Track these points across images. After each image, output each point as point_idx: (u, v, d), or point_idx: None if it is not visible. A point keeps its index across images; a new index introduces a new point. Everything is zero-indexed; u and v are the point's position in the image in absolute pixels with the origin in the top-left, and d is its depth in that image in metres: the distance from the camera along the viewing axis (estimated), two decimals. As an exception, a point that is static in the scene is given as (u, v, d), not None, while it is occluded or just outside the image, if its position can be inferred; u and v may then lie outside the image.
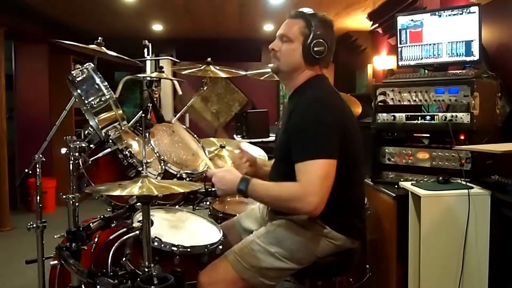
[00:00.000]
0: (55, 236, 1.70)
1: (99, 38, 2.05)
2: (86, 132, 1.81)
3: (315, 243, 1.56)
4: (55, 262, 1.62)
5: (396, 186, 2.18)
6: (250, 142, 3.07)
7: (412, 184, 2.04)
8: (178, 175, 2.15)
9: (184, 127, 2.57)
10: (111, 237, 1.79)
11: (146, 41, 2.91)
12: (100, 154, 1.95)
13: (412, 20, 2.40)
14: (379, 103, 2.28)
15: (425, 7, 3.65)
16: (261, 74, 2.85)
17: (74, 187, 1.66)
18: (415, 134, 2.33)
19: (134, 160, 1.98)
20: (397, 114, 2.24)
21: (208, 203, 2.34)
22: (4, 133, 4.56)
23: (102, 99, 1.60)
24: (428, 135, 2.31)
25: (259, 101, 7.06)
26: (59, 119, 1.94)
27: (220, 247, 1.71)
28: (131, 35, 5.53)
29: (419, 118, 2.18)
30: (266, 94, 7.15)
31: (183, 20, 5.58)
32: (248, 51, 6.46)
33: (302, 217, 1.56)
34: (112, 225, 1.73)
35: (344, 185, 1.52)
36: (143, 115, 2.14)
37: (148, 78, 2.50)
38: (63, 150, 1.64)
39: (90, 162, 1.86)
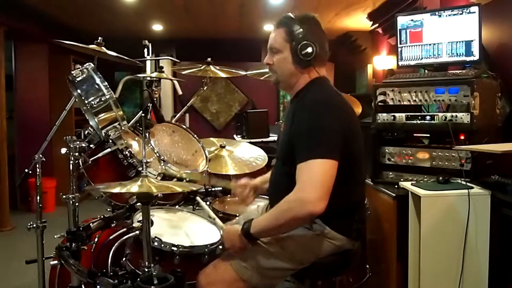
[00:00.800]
0: (55, 236, 1.70)
1: (99, 38, 2.05)
2: (86, 132, 1.82)
3: (315, 243, 1.56)
4: (55, 262, 1.62)
5: (396, 186, 2.18)
6: (250, 142, 3.07)
7: (412, 184, 2.04)
8: (178, 175, 2.15)
9: (184, 127, 2.58)
10: (111, 237, 1.79)
11: (146, 41, 2.92)
12: (100, 154, 1.95)
13: (412, 20, 2.40)
14: (379, 103, 2.28)
15: (425, 7, 3.65)
16: (261, 74, 2.85)
17: (74, 187, 1.66)
18: (415, 134, 2.33)
19: (134, 160, 1.98)
20: (397, 114, 2.24)
21: (208, 203, 2.34)
22: (4, 133, 4.56)
23: (102, 99, 1.61)
24: (428, 135, 2.31)
25: (259, 101, 7.06)
26: (59, 119, 1.94)
27: (220, 247, 1.72)
28: (131, 35, 5.53)
29: (419, 118, 2.18)
30: (266, 94, 7.15)
31: (183, 20, 5.58)
32: (248, 51, 6.46)
33: None
34: (112, 225, 1.74)
35: (345, 186, 1.52)
36: (143, 115, 2.14)
37: (148, 78, 2.51)
38: (63, 150, 1.65)
39: (90, 162, 1.86)
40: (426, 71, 2.44)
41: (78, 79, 1.61)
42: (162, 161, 2.14)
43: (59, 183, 5.03)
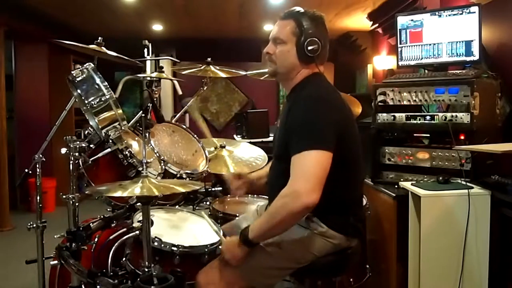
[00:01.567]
0: (55, 236, 1.70)
1: (99, 38, 2.05)
2: (86, 132, 1.81)
3: (312, 242, 1.56)
4: (55, 262, 1.62)
5: (396, 186, 2.18)
6: (250, 142, 3.07)
7: (412, 184, 2.04)
8: (178, 175, 2.15)
9: (184, 127, 2.58)
10: (111, 237, 1.79)
11: (146, 41, 2.92)
12: (100, 154, 1.95)
13: (412, 20, 2.40)
14: (379, 103, 2.28)
15: (425, 7, 3.65)
16: (261, 74, 2.85)
17: (74, 187, 1.66)
18: (415, 134, 2.33)
19: (134, 160, 1.98)
20: (397, 114, 2.24)
21: (208, 203, 2.35)
22: (4, 133, 4.56)
23: (102, 99, 1.60)
24: (428, 135, 2.31)
25: (259, 101, 7.06)
26: (59, 119, 1.94)
27: (220, 247, 1.71)
28: (131, 35, 5.53)
29: (419, 118, 2.18)
30: (266, 94, 7.15)
31: (183, 20, 5.58)
32: (248, 51, 6.45)
33: None
34: (112, 225, 1.74)
35: (341, 183, 1.52)
36: (143, 115, 2.13)
37: (148, 78, 2.50)
38: (63, 150, 1.65)
39: (90, 162, 1.86)
40: (426, 71, 2.44)
41: (78, 79, 1.61)
42: (162, 161, 2.14)
43: (59, 183, 5.03)
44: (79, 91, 1.61)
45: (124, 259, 1.73)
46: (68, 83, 1.65)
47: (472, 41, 2.21)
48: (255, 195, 2.42)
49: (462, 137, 2.03)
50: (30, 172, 1.83)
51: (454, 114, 2.06)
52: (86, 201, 2.11)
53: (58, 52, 5.37)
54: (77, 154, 1.64)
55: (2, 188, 4.48)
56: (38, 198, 1.80)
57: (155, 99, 2.48)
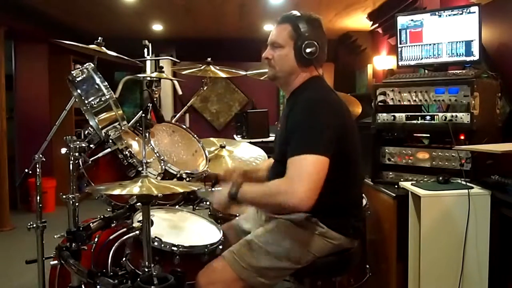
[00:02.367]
0: (55, 236, 1.70)
1: (99, 38, 2.05)
2: (86, 132, 1.81)
3: (312, 243, 1.56)
4: (55, 262, 1.62)
5: (396, 186, 2.18)
6: (250, 142, 3.07)
7: (412, 184, 2.04)
8: (178, 175, 2.15)
9: (184, 127, 2.58)
10: (111, 237, 1.79)
11: (146, 41, 2.92)
12: (100, 154, 1.95)
13: (412, 20, 2.40)
14: (379, 103, 2.28)
15: (425, 7, 3.65)
16: (261, 74, 2.85)
17: (74, 187, 1.66)
18: (415, 134, 2.33)
19: (134, 160, 1.98)
20: (397, 114, 2.24)
21: (208, 203, 2.34)
22: (4, 133, 4.56)
23: (102, 99, 1.60)
24: (428, 135, 2.31)
25: (259, 101, 7.06)
26: (59, 119, 1.94)
27: (220, 247, 1.72)
28: (131, 35, 5.53)
29: (419, 118, 2.18)
30: (266, 94, 7.15)
31: (183, 20, 5.58)
32: (248, 51, 6.45)
33: (299, 216, 1.55)
34: (112, 225, 1.73)
35: (341, 184, 1.52)
36: (143, 115, 2.13)
37: (148, 78, 2.50)
38: (63, 150, 1.64)
39: (90, 162, 1.86)
40: (426, 71, 2.44)
41: (78, 79, 1.61)
42: (162, 161, 2.14)
43: (59, 183, 5.03)
44: (79, 91, 1.61)
45: (124, 259, 1.73)
46: (68, 83, 1.65)
47: (472, 41, 2.21)
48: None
49: (462, 137, 2.03)
50: (30, 172, 1.83)
51: (454, 114, 2.06)
52: (86, 201, 2.11)
53: (58, 52, 5.37)
54: (77, 154, 1.64)
55: (2, 188, 4.48)
56: (38, 198, 1.79)
57: (155, 99, 2.48)
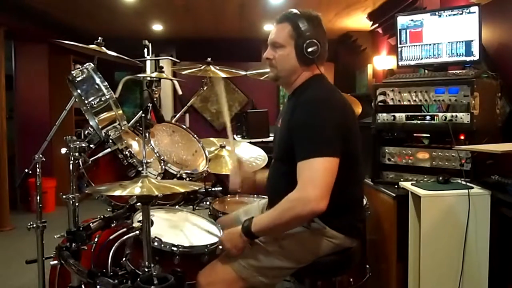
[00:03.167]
0: (55, 236, 1.70)
1: (99, 38, 2.05)
2: (86, 132, 1.81)
3: (314, 242, 1.56)
4: (55, 262, 1.62)
5: (396, 186, 2.18)
6: (250, 142, 3.07)
7: (412, 184, 2.04)
8: (178, 175, 2.15)
9: (184, 127, 2.58)
10: (111, 237, 1.79)
11: (146, 41, 2.92)
12: (100, 154, 1.95)
13: (412, 20, 2.40)
14: (379, 103, 2.28)
15: (425, 7, 3.65)
16: (261, 74, 2.85)
17: (74, 187, 1.66)
18: (415, 134, 2.33)
19: (134, 160, 1.98)
20: (397, 114, 2.24)
21: (208, 203, 2.34)
22: (4, 133, 4.56)
23: (102, 99, 1.60)
24: (428, 135, 2.31)
25: (259, 101, 7.06)
26: (59, 119, 1.94)
27: (220, 247, 1.71)
28: (131, 35, 5.53)
29: (419, 118, 2.17)
30: (266, 94, 7.15)
31: (183, 20, 5.58)
32: (248, 51, 6.45)
33: None
34: (112, 225, 1.73)
35: (343, 184, 1.52)
36: (143, 115, 2.14)
37: (148, 78, 2.50)
38: (63, 150, 1.64)
39: (90, 162, 1.86)
40: (426, 71, 2.44)
41: (78, 79, 1.61)
42: (162, 161, 2.14)
43: (59, 183, 5.03)
44: (79, 91, 1.61)
45: (124, 259, 1.73)
46: (68, 83, 1.65)
47: (472, 41, 2.20)
48: (255, 195, 2.42)
49: (462, 137, 2.03)
50: (30, 172, 1.83)
51: (454, 114, 2.06)
52: (86, 201, 2.11)
53: (58, 52, 5.37)
54: (77, 154, 1.64)
55: (2, 188, 4.48)
56: (38, 198, 1.79)
57: (155, 99, 2.48)
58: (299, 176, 1.42)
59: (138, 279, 1.39)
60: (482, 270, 1.87)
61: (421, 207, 1.89)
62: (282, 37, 1.59)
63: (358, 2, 4.58)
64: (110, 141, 1.80)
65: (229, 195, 2.42)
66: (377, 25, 5.06)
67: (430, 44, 2.35)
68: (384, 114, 2.27)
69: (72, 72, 1.64)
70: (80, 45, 1.96)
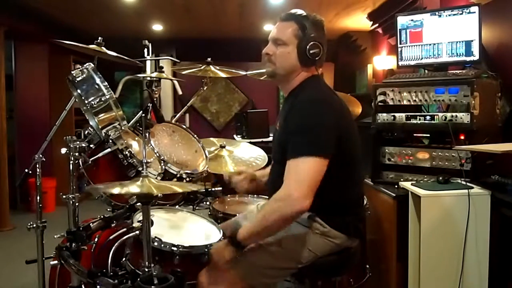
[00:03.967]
0: (55, 236, 1.70)
1: (99, 38, 2.04)
2: (86, 132, 1.81)
3: (314, 242, 1.56)
4: (55, 262, 1.61)
5: (396, 186, 2.18)
6: (250, 142, 3.08)
7: (412, 184, 2.04)
8: (178, 175, 2.15)
9: (184, 127, 2.58)
10: (111, 237, 1.79)
11: (146, 41, 2.91)
12: (100, 154, 1.95)
13: (412, 20, 2.40)
14: (379, 103, 2.28)
15: (425, 7, 3.65)
16: (261, 74, 2.85)
17: (74, 187, 1.66)
18: (415, 134, 2.33)
19: (134, 160, 1.98)
20: (397, 114, 2.24)
21: (208, 203, 2.34)
22: (4, 133, 4.56)
23: (102, 99, 1.60)
24: (428, 135, 2.31)
25: (259, 101, 7.06)
26: (59, 119, 1.94)
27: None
28: (131, 35, 5.53)
29: (419, 118, 2.18)
30: (266, 94, 7.15)
31: (183, 20, 5.58)
32: (248, 51, 6.45)
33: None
34: (112, 225, 1.73)
35: (342, 184, 1.53)
36: (143, 115, 2.14)
37: (148, 78, 2.50)
38: (63, 150, 1.64)
39: (90, 162, 1.85)
40: (426, 71, 2.44)
41: (78, 79, 1.61)
42: (162, 161, 2.14)
43: (59, 183, 5.03)
44: (79, 91, 1.61)
45: (124, 259, 1.73)
46: (68, 83, 1.65)
47: (472, 41, 2.21)
48: (255, 195, 2.42)
49: (462, 137, 2.03)
50: (30, 172, 1.83)
51: (454, 114, 2.06)
52: (86, 201, 2.12)
53: (58, 52, 5.37)
54: (77, 154, 1.64)
55: (2, 188, 4.48)
56: (38, 198, 1.79)
57: (155, 99, 2.48)
58: (285, 174, 1.42)
59: (138, 279, 1.39)
60: (482, 270, 1.87)
61: (421, 207, 1.89)
62: (286, 35, 1.59)
63: (358, 2, 4.58)
64: (110, 141, 1.80)
65: (229, 195, 2.42)
66: (377, 25, 5.05)
67: (430, 44, 2.35)
68: (384, 114, 2.28)
69: (72, 72, 1.64)
70: (80, 45, 1.96)
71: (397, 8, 4.18)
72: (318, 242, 1.56)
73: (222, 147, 2.71)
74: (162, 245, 1.62)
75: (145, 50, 2.93)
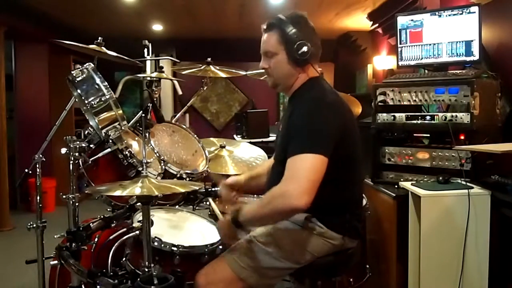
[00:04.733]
0: (55, 236, 1.70)
1: (99, 38, 2.05)
2: (86, 132, 1.82)
3: (312, 243, 1.56)
4: (55, 262, 1.62)
5: (396, 186, 2.18)
6: (250, 142, 3.08)
7: (412, 184, 2.04)
8: (178, 175, 2.15)
9: (184, 127, 2.58)
10: (111, 237, 1.79)
11: (146, 41, 2.91)
12: (100, 154, 1.95)
13: (412, 20, 2.40)
14: (379, 103, 2.28)
15: (425, 7, 3.65)
16: (261, 74, 2.85)
17: (74, 187, 1.66)
18: (415, 134, 2.33)
19: (134, 160, 1.98)
20: (397, 114, 2.24)
21: (208, 203, 2.34)
22: (4, 133, 4.56)
23: (102, 99, 1.60)
24: (428, 135, 2.31)
25: (259, 101, 7.07)
26: (59, 119, 1.94)
27: (220, 247, 1.72)
28: (131, 35, 5.53)
29: (419, 118, 2.18)
30: (266, 94, 7.15)
31: (183, 20, 5.58)
32: (248, 51, 6.42)
33: (298, 216, 1.55)
34: (112, 225, 1.73)
35: (341, 184, 1.52)
36: (143, 115, 2.14)
37: (148, 78, 2.50)
38: (63, 150, 1.64)
39: (90, 162, 1.86)
40: (426, 71, 2.44)
41: (78, 79, 1.61)
42: (162, 161, 2.14)
43: (59, 183, 5.03)
44: (79, 91, 1.61)
45: (124, 259, 1.73)
46: (68, 83, 1.65)
47: (472, 41, 2.21)
48: (255, 195, 2.42)
49: (462, 137, 2.03)
50: (30, 172, 1.83)
51: (454, 114, 2.06)
52: (86, 201, 2.12)
53: (58, 52, 5.37)
54: (77, 154, 1.64)
55: (2, 188, 4.48)
56: (38, 198, 1.80)
57: (155, 99, 2.48)
58: (286, 170, 1.42)
59: (138, 279, 1.39)
60: (482, 270, 1.87)
61: (421, 207, 1.89)
62: (272, 44, 1.61)
63: (358, 2, 4.58)
64: (110, 141, 1.80)
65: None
66: (377, 25, 5.06)
67: (430, 44, 2.35)
68: (384, 114, 2.28)
69: (72, 72, 1.64)
70: (80, 45, 1.96)
71: (397, 8, 4.18)
72: (316, 243, 1.56)
73: (222, 147, 2.71)
74: (162, 245, 1.62)
75: (145, 50, 2.93)
